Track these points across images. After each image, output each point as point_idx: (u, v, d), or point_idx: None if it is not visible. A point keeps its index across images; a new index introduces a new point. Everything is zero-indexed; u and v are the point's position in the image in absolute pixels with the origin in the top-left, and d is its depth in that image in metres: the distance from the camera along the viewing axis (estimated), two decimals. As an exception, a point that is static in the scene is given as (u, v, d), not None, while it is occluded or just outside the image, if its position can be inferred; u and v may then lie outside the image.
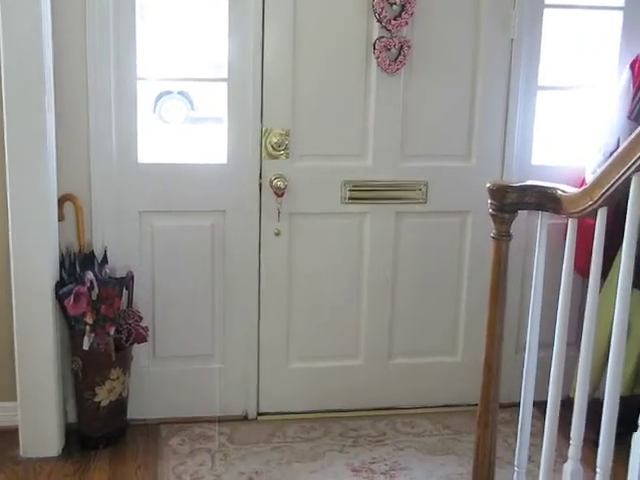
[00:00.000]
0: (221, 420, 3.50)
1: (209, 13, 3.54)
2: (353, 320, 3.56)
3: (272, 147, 3.31)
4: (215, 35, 3.34)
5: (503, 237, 2.28)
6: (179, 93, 7.87)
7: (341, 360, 3.59)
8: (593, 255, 2.05)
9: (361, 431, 3.46)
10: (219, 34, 3.27)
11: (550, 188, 2.20)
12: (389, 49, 3.27)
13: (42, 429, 3.18)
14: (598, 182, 1.99)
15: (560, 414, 2.24)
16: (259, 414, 3.57)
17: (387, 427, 3.52)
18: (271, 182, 3.32)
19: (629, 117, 3.28)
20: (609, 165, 1.97)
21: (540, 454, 2.29)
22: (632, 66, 3.32)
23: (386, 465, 3.22)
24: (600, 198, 1.98)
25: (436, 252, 3.57)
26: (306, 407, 3.58)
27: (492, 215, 2.28)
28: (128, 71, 3.21)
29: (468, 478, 2.77)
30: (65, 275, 3.17)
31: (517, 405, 2.43)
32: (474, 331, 3.52)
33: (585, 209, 2.04)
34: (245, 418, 3.55)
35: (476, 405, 2.47)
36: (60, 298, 3.10)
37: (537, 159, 3.55)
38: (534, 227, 2.31)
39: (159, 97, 7.74)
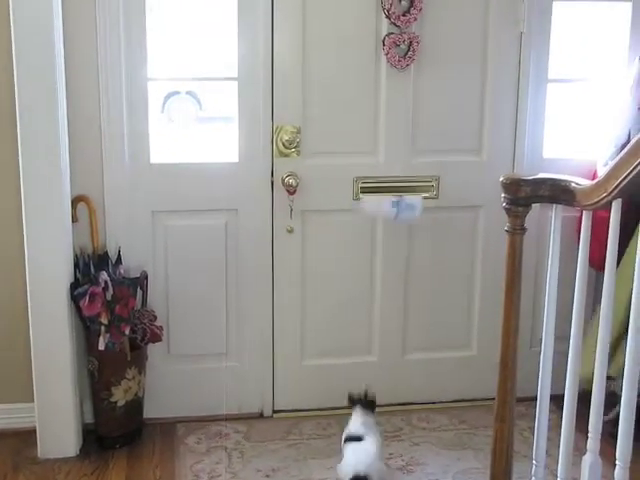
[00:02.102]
0: (237, 418, 3.51)
1: (218, 12, 3.54)
2: (367, 316, 3.56)
3: (283, 145, 3.32)
4: (224, 34, 3.35)
5: (517, 231, 2.28)
6: (187, 93, 7.88)
7: (355, 356, 3.60)
8: (608, 247, 2.04)
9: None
10: (228, 33, 3.27)
11: (564, 181, 2.19)
12: (398, 45, 3.27)
13: (59, 430, 3.20)
14: (612, 174, 1.99)
15: (576, 407, 2.24)
16: (275, 411, 3.58)
17: (403, 422, 3.52)
18: (283, 180, 3.33)
19: (640, 109, 3.27)
20: (623, 156, 1.97)
21: (557, 448, 2.29)
22: (642, 58, 3.32)
23: (402, 460, 3.22)
24: (614, 190, 1.98)
25: (449, 247, 3.57)
26: (321, 404, 3.58)
27: (506, 209, 2.28)
28: (138, 72, 3.22)
29: (485, 472, 2.78)
30: (80, 276, 3.19)
31: (533, 399, 2.44)
32: (488, 325, 3.52)
33: (599, 201, 2.04)
34: (261, 416, 3.57)
35: (492, 399, 2.47)
36: (75, 299, 3.11)
37: (548, 152, 3.55)
38: (546, 220, 2.31)
39: (167, 97, 7.74)
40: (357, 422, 3.00)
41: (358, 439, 2.90)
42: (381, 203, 3.31)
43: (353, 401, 3.08)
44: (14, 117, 2.98)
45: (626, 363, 2.01)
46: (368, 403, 3.06)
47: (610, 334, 2.12)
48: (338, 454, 3.08)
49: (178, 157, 3.75)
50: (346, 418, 3.10)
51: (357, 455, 2.83)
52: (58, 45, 2.98)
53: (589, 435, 2.15)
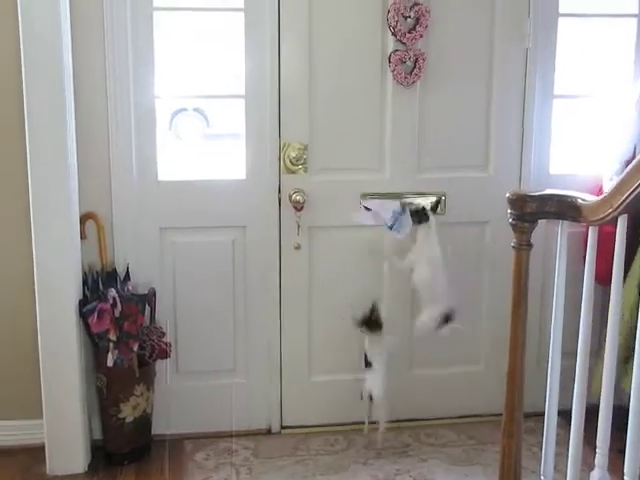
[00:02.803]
0: (245, 434, 3.51)
1: (225, 30, 3.57)
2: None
3: (290, 162, 3.34)
4: (231, 52, 3.38)
5: (524, 247, 2.29)
6: (195, 110, 7.92)
7: (363, 372, 3.59)
8: (614, 262, 2.05)
9: (384, 443, 3.46)
10: (235, 51, 3.30)
11: (570, 197, 2.20)
12: (404, 62, 3.29)
13: (68, 446, 3.20)
14: (618, 189, 2.00)
15: (584, 422, 2.24)
16: (283, 427, 3.58)
17: (410, 438, 3.52)
18: (290, 196, 3.35)
19: (645, 125, 3.28)
20: (629, 172, 1.98)
21: (565, 463, 2.29)
22: (648, 73, 3.33)
23: (410, 477, 3.21)
24: (620, 205, 1.99)
25: (455, 263, 3.56)
26: (329, 420, 3.58)
27: (512, 225, 2.28)
28: (146, 90, 3.25)
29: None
30: (88, 293, 3.20)
31: (540, 414, 2.43)
32: (496, 340, 3.52)
33: (606, 217, 2.05)
34: (269, 432, 3.57)
35: (500, 415, 2.47)
36: (84, 316, 3.13)
37: (555, 168, 3.56)
38: (553, 236, 2.32)
39: (174, 114, 7.79)
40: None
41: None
42: (383, 209, 3.30)
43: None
44: (23, 136, 3.00)
45: (634, 376, 2.01)
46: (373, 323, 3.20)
47: (619, 348, 2.13)
48: (346, 470, 3.11)
49: (186, 174, 3.77)
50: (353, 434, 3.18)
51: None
52: (67, 63, 3.01)
53: (597, 450, 2.15)
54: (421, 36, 3.28)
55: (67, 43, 3.01)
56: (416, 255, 3.21)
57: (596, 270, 2.17)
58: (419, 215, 3.24)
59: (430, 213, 3.25)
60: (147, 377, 3.27)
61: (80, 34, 3.11)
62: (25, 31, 2.92)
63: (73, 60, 3.06)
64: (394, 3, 3.23)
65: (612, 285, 2.08)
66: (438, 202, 3.32)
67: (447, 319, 3.21)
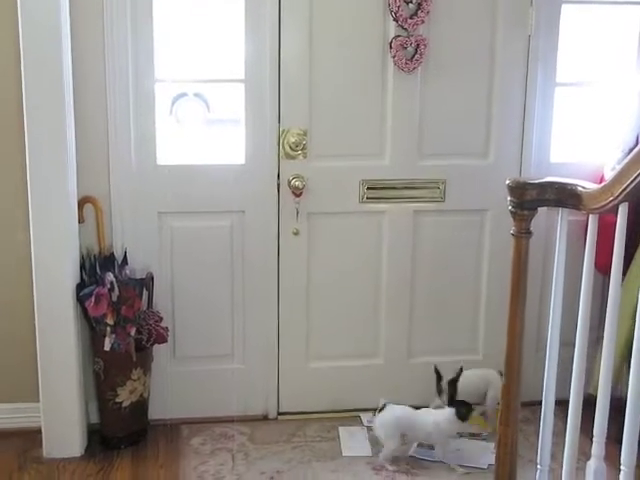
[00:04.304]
0: (242, 420, 3.51)
1: (225, 14, 3.54)
2: (372, 319, 3.56)
3: (290, 147, 3.32)
4: (231, 36, 3.35)
5: (523, 234, 2.27)
6: (195, 95, 7.88)
7: (361, 359, 3.59)
8: (614, 250, 2.04)
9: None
10: (235, 35, 3.28)
11: (570, 184, 2.19)
12: (406, 48, 3.27)
13: (65, 430, 3.20)
14: (619, 178, 1.99)
15: (581, 412, 2.23)
16: (279, 414, 3.58)
17: (408, 426, 3.52)
18: (289, 182, 3.33)
19: (648, 113, 3.27)
20: (630, 160, 1.96)
21: (562, 452, 2.28)
22: (651, 61, 3.31)
23: (407, 464, 3.21)
24: (621, 194, 1.98)
25: (455, 250, 3.56)
26: (326, 406, 3.58)
27: (512, 212, 2.27)
28: (146, 73, 3.23)
29: (490, 476, 2.77)
30: (86, 277, 3.19)
31: (538, 403, 2.43)
32: (494, 329, 3.52)
33: (606, 205, 2.03)
34: (265, 418, 3.57)
35: (497, 404, 2.46)
36: (81, 300, 3.12)
37: (555, 156, 3.54)
38: (553, 224, 2.31)
39: (175, 99, 7.75)
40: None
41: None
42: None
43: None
44: (21, 118, 2.99)
45: (632, 366, 2.00)
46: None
47: (618, 339, 2.12)
48: (342, 457, 3.11)
49: (185, 159, 3.75)
50: (350, 421, 3.26)
51: None
52: (66, 46, 2.98)
53: (594, 440, 2.15)
54: (423, 22, 3.25)
55: (66, 26, 2.98)
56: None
57: (597, 259, 2.16)
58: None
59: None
60: (144, 362, 3.27)
61: (79, 17, 3.08)
62: (24, 12, 2.90)
63: (72, 43, 3.04)
64: (396, -12, 3.21)
65: (612, 273, 2.07)
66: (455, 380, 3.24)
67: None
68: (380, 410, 3.17)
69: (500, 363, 2.42)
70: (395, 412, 3.15)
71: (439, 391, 3.30)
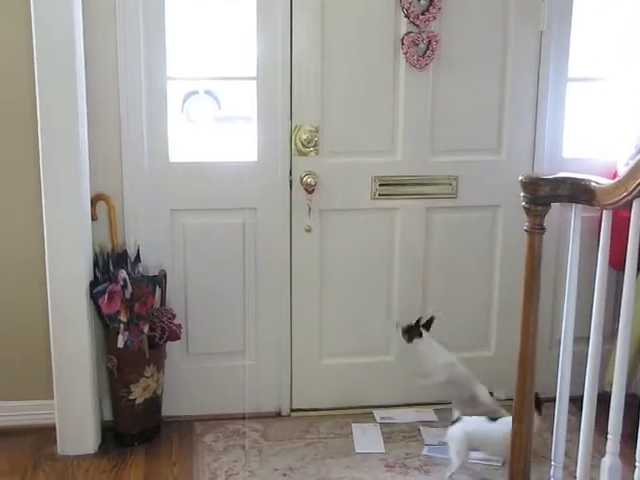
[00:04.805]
0: (254, 417, 3.51)
1: (237, 11, 3.54)
2: (385, 316, 3.56)
3: (302, 144, 3.32)
4: (243, 33, 3.35)
5: (536, 230, 2.27)
6: (206, 92, 7.89)
7: (373, 356, 3.59)
8: (628, 247, 2.03)
9: (394, 427, 3.46)
10: (247, 32, 3.28)
11: (583, 180, 2.18)
12: (417, 44, 3.26)
13: (79, 427, 3.22)
14: (633, 173, 1.98)
15: (596, 408, 2.23)
16: (292, 410, 3.59)
17: (420, 423, 3.51)
18: (301, 179, 3.33)
19: (662, 109, 3.25)
20: (644, 156, 1.95)
21: (576, 449, 2.28)
22: (664, 57, 3.29)
23: (420, 460, 3.21)
24: (635, 189, 1.97)
25: (467, 247, 3.56)
26: (339, 403, 3.58)
27: (525, 208, 2.27)
28: (158, 71, 3.23)
29: (503, 472, 2.77)
30: (99, 274, 3.20)
31: (551, 400, 2.42)
32: (506, 325, 3.51)
33: (620, 200, 2.03)
34: (278, 414, 3.57)
35: (510, 400, 2.46)
36: (94, 297, 3.13)
37: (568, 152, 3.53)
38: (566, 220, 2.30)
39: (186, 97, 7.76)
40: None
41: None
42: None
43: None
44: (34, 116, 3.00)
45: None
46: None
47: (632, 335, 2.11)
48: (355, 453, 3.14)
49: (197, 156, 3.76)
50: (363, 418, 3.25)
51: None
52: (78, 44, 2.99)
53: (609, 437, 2.14)
54: (434, 18, 3.25)
55: (79, 25, 2.99)
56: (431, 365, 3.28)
57: (611, 255, 2.15)
58: (411, 332, 3.29)
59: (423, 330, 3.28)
60: (157, 358, 3.28)
61: (92, 16, 3.09)
62: (37, 14, 2.90)
63: (84, 42, 3.04)
64: (407, -16, 3.20)
65: (626, 269, 2.06)
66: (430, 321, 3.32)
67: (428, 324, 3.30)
68: (453, 422, 3.06)
69: (512, 360, 2.42)
70: (467, 428, 2.97)
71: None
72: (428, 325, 3.30)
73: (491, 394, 3.27)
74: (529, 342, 2.35)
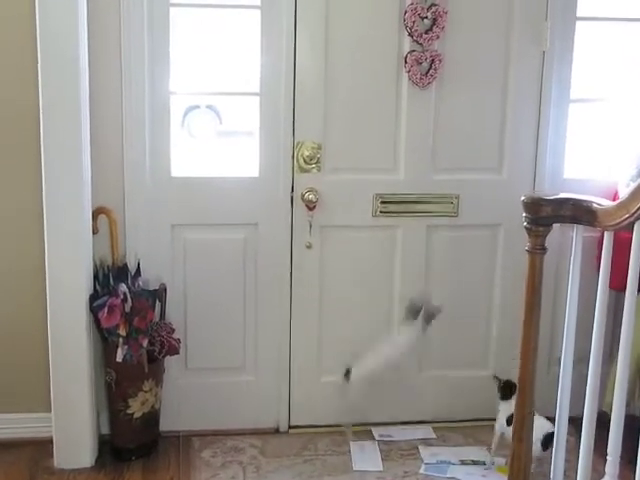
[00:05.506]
0: (253, 433, 3.50)
1: (241, 27, 3.56)
2: (384, 333, 3.55)
3: (304, 160, 3.33)
4: (247, 49, 3.37)
5: (538, 251, 2.27)
6: (207, 107, 7.92)
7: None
8: (630, 269, 2.03)
9: (392, 444, 3.45)
10: (251, 48, 3.29)
11: (585, 201, 2.19)
12: (420, 63, 3.28)
13: (76, 440, 3.21)
14: (635, 195, 1.99)
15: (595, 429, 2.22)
16: (290, 427, 3.57)
17: (418, 441, 3.50)
18: (303, 195, 3.34)
19: (663, 130, 3.26)
20: (646, 178, 1.96)
21: (574, 470, 2.28)
22: (666, 78, 3.30)
23: (417, 479, 3.20)
24: (637, 211, 1.97)
25: (468, 265, 3.56)
26: (337, 420, 3.56)
27: (527, 228, 2.27)
28: (161, 85, 3.24)
29: None
30: (99, 287, 3.20)
31: (551, 420, 2.42)
32: (506, 344, 3.51)
33: (622, 222, 2.04)
34: (277, 431, 3.56)
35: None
36: (94, 310, 3.13)
37: (569, 172, 3.53)
38: (566, 240, 2.30)
39: (187, 111, 7.78)
40: None
41: None
42: None
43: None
44: (37, 129, 3.01)
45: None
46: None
47: (631, 356, 2.11)
48: (353, 471, 3.11)
49: (198, 171, 3.77)
50: (361, 435, 3.23)
51: None
52: (82, 59, 3.00)
53: (608, 458, 2.14)
54: (438, 37, 3.27)
55: (83, 39, 3.01)
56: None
57: (612, 277, 2.16)
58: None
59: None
60: (156, 373, 3.27)
61: (96, 30, 3.10)
62: (42, 27, 2.92)
63: (89, 55, 3.06)
64: (411, 4, 3.22)
65: (627, 291, 2.06)
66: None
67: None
68: None
69: (511, 378, 2.41)
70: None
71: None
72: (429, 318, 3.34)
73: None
74: (529, 361, 2.35)
